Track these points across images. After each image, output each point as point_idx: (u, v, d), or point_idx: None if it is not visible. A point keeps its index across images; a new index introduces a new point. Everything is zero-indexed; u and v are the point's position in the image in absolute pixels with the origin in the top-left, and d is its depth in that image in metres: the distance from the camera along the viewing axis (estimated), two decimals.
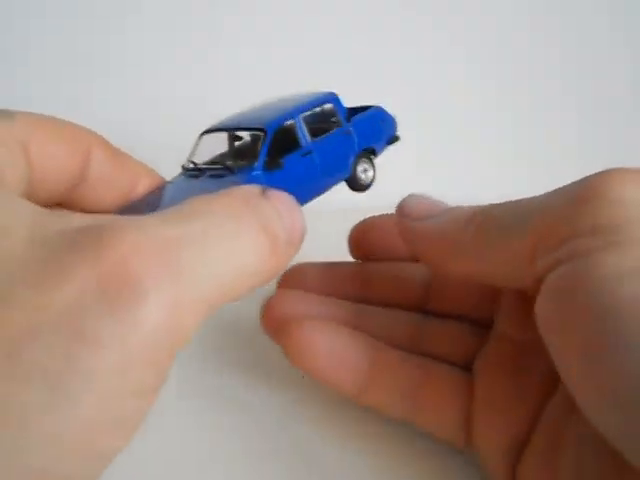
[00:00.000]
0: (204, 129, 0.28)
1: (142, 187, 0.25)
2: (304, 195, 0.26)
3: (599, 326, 0.14)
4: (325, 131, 0.29)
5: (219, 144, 0.29)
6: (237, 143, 0.29)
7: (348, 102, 0.31)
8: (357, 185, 0.30)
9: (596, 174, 0.17)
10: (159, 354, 0.14)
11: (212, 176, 0.25)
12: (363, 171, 0.30)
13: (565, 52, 0.53)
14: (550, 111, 0.52)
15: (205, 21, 0.53)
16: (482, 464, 0.24)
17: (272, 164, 0.24)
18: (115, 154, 0.24)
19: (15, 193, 0.17)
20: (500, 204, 0.21)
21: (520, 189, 0.25)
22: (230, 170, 0.24)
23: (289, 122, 0.26)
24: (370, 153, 0.31)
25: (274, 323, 0.26)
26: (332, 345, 0.25)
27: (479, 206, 0.22)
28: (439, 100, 0.50)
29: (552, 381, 0.22)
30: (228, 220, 0.17)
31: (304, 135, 0.27)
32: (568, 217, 0.16)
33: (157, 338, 0.14)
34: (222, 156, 0.28)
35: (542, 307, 0.17)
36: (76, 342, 0.13)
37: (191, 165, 0.27)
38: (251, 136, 0.26)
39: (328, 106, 0.29)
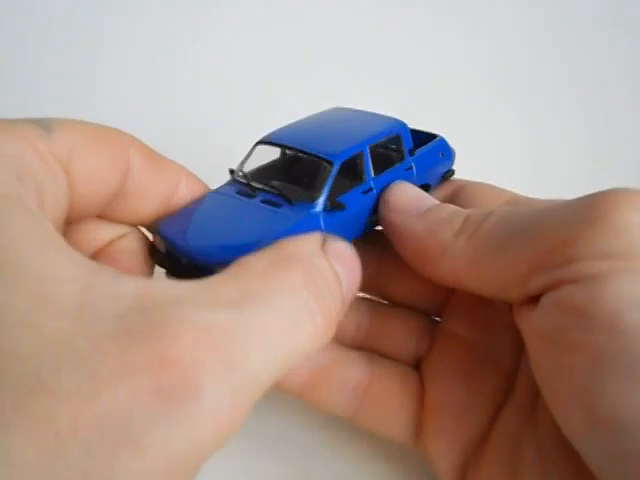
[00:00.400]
0: (260, 138, 0.26)
1: (182, 192, 0.23)
2: (355, 232, 0.25)
3: (607, 350, 0.15)
4: (384, 159, 0.27)
5: (271, 154, 0.27)
6: (289, 157, 0.27)
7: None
8: None
9: (601, 195, 0.17)
10: (205, 455, 0.13)
11: (265, 202, 0.23)
12: None
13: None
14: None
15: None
16: (431, 466, 0.24)
17: (334, 204, 0.23)
18: (153, 158, 0.22)
19: (60, 237, 0.15)
20: (493, 214, 0.20)
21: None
22: (288, 201, 0.23)
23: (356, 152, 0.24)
24: (424, 188, 0.29)
25: None
26: None
27: (470, 212, 0.21)
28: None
29: (506, 387, 0.22)
30: (289, 308, 0.16)
31: (369, 170, 0.25)
32: (574, 238, 0.16)
33: (206, 441, 0.13)
34: (272, 173, 0.26)
35: (540, 322, 0.17)
36: (121, 446, 0.12)
37: (240, 175, 0.25)
38: (311, 161, 0.24)
39: (393, 135, 0.27)
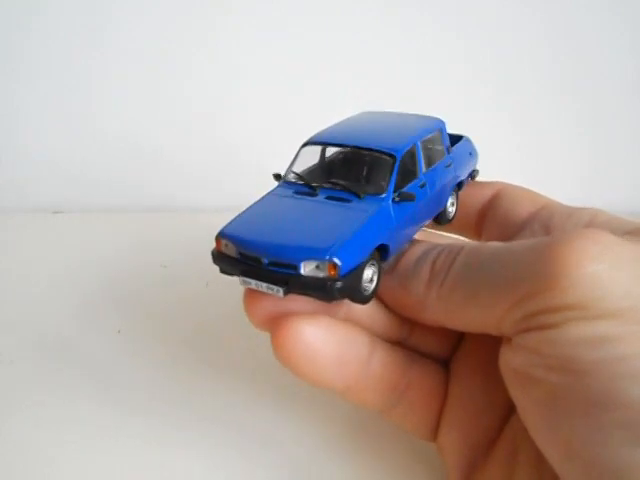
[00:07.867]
0: (306, 140, 0.25)
1: None
2: (417, 225, 0.24)
3: (561, 387, 0.17)
4: (431, 156, 0.27)
5: (312, 155, 0.26)
6: (336, 157, 0.27)
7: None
8: (443, 219, 0.28)
9: (560, 245, 0.18)
10: None
11: (330, 198, 0.22)
12: (451, 204, 0.29)
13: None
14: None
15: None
16: (443, 461, 0.24)
17: (404, 196, 0.22)
18: None
19: None
20: (456, 262, 0.21)
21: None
22: (357, 195, 0.22)
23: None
24: (458, 186, 0.29)
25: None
26: (330, 345, 0.22)
27: (435, 256, 0.22)
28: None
29: None
30: None
31: (421, 165, 0.25)
32: (535, 293, 0.18)
33: None
34: (323, 172, 0.26)
35: (512, 358, 0.19)
36: None
37: (293, 176, 0.24)
38: (370, 157, 0.24)
39: (437, 131, 0.27)
